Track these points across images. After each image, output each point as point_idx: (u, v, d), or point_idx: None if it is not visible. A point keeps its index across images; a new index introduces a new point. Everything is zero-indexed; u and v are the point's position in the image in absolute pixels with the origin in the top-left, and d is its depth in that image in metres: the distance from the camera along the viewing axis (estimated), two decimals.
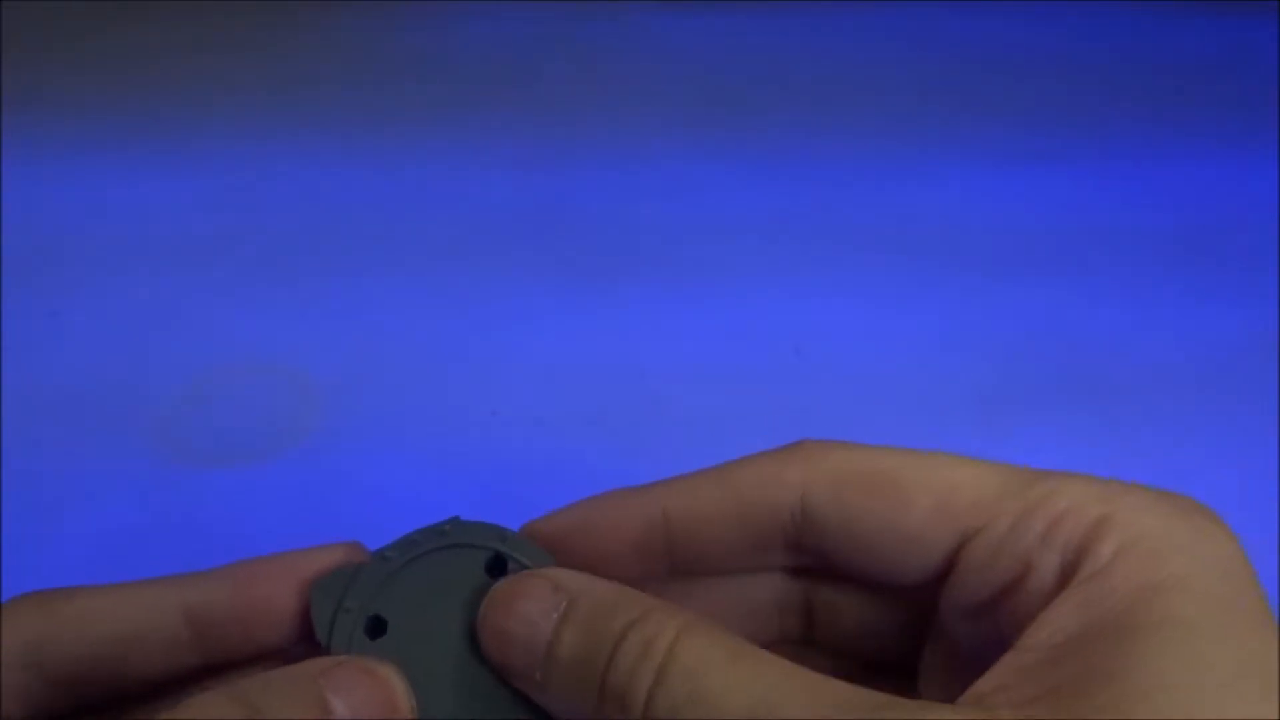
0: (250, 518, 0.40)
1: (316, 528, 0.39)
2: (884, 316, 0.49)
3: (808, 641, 0.24)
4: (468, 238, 0.51)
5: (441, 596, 0.22)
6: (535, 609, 0.20)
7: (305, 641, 0.22)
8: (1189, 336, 0.49)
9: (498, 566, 0.22)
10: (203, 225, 0.51)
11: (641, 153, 0.57)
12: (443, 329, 0.47)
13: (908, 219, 0.54)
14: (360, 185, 0.54)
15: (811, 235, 0.53)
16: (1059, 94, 0.63)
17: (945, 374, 0.46)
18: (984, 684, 0.18)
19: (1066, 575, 0.19)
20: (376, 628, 0.22)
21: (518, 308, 0.48)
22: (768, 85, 0.62)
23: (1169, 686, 0.16)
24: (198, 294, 0.48)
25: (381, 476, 0.41)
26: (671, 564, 0.23)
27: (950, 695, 0.19)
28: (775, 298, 0.49)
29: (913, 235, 0.53)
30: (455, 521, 0.23)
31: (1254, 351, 0.48)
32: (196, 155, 0.55)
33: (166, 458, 0.41)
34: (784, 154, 0.57)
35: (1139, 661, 0.17)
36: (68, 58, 0.61)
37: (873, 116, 0.60)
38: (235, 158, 0.55)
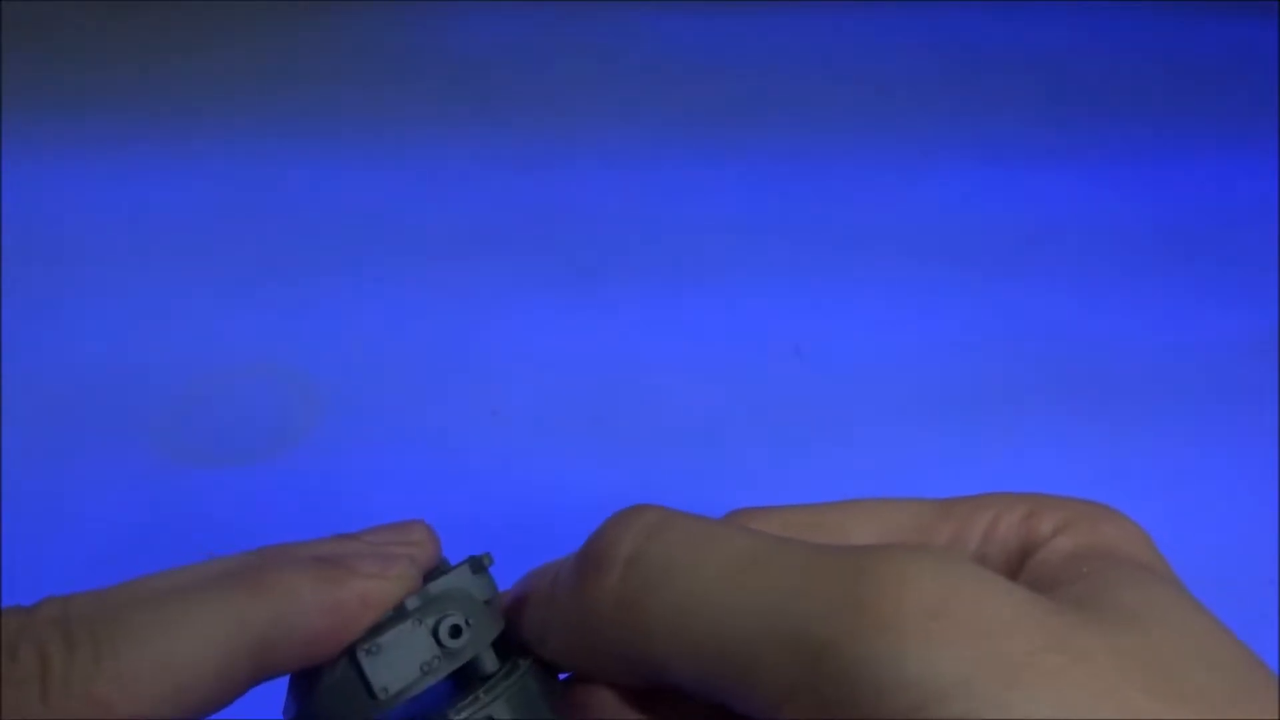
0: (250, 518, 0.40)
1: (316, 528, 0.39)
2: (884, 316, 0.49)
3: None
4: (468, 238, 0.51)
5: None
6: None
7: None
8: (1189, 336, 0.49)
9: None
10: (203, 225, 0.51)
11: (641, 153, 0.57)
12: (443, 329, 0.47)
13: (908, 219, 0.54)
14: (360, 185, 0.54)
15: (811, 235, 0.53)
16: (1059, 94, 0.63)
17: (945, 374, 0.46)
18: None
19: (1013, 566, 0.19)
20: None
21: (518, 307, 0.48)
22: (768, 85, 0.62)
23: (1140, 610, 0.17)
24: (198, 294, 0.48)
25: (382, 476, 0.41)
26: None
27: None
28: (775, 298, 0.49)
29: (913, 235, 0.53)
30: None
31: (1254, 351, 0.48)
32: (196, 155, 0.55)
33: (166, 458, 0.41)
34: (784, 154, 0.57)
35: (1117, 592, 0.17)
36: (68, 58, 0.61)
37: (873, 116, 0.60)
38: (235, 157, 0.55)
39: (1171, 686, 0.15)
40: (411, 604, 0.21)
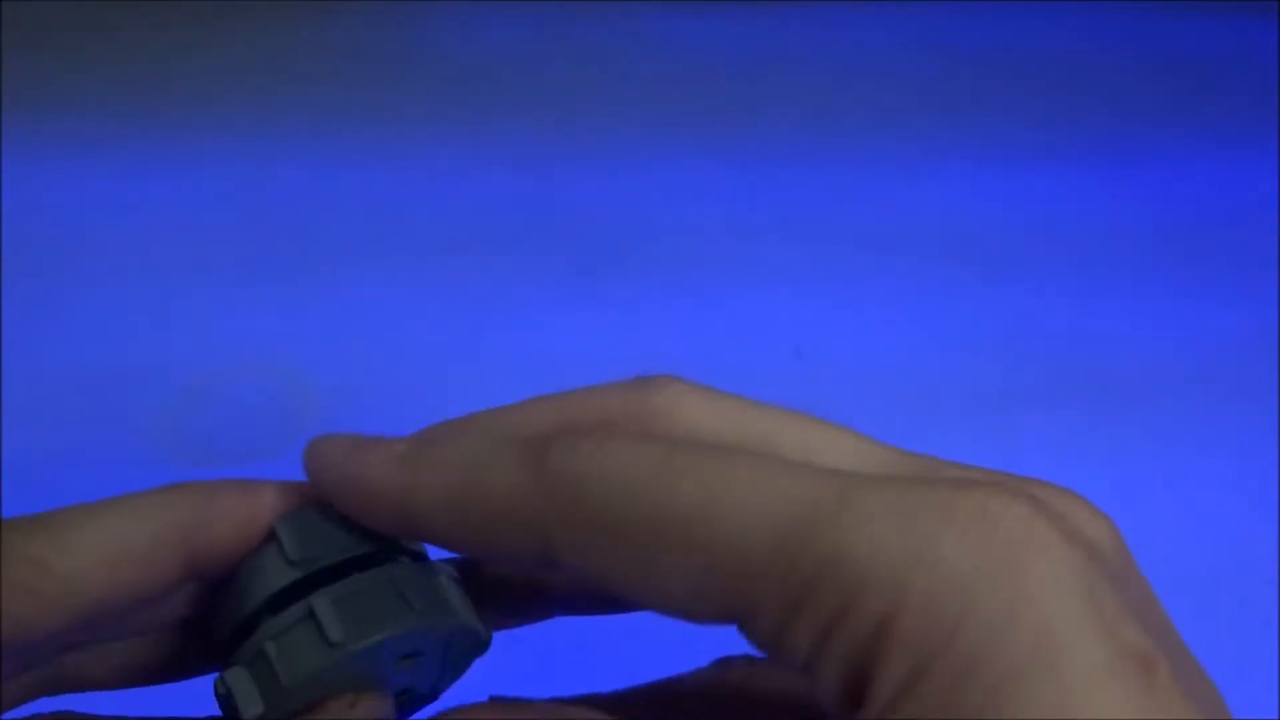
0: None
1: None
2: (884, 316, 0.49)
3: None
4: (468, 237, 0.51)
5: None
6: None
7: None
8: (1189, 336, 0.49)
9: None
10: (203, 225, 0.51)
11: (641, 153, 0.57)
12: (443, 329, 0.47)
13: (908, 219, 0.54)
14: (360, 185, 0.54)
15: (811, 235, 0.53)
16: (1059, 94, 0.63)
17: (945, 373, 0.46)
18: None
19: (853, 695, 0.16)
20: None
21: (517, 307, 0.48)
22: (768, 85, 0.62)
23: None
24: (198, 294, 0.48)
25: None
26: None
27: None
28: (775, 298, 0.49)
29: (913, 235, 0.53)
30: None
31: (1254, 351, 0.48)
32: (196, 155, 0.55)
33: (166, 458, 0.41)
34: (784, 154, 0.57)
35: None
36: (68, 58, 0.61)
37: (873, 116, 0.60)
38: (235, 157, 0.55)
39: None
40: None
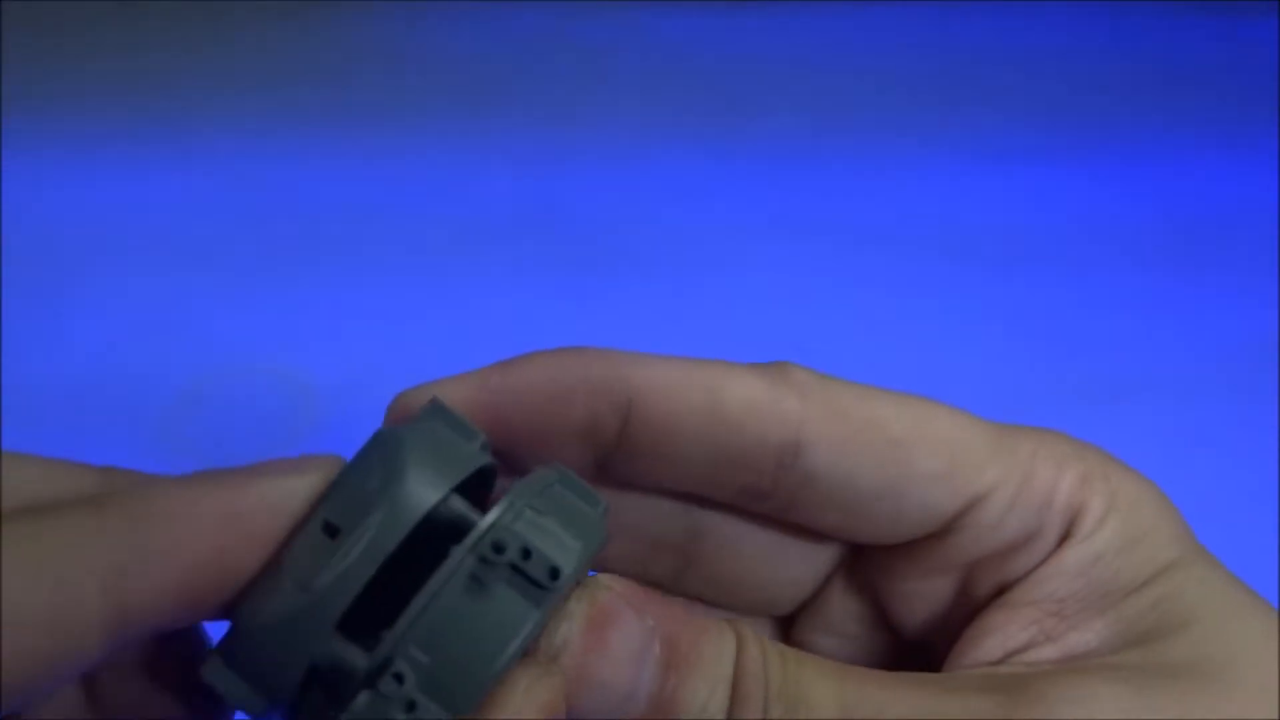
0: None
1: None
2: (884, 315, 0.49)
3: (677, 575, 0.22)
4: (467, 237, 0.51)
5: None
6: (626, 649, 0.17)
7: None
8: (1189, 336, 0.49)
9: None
10: (203, 225, 0.51)
11: (641, 153, 0.57)
12: (443, 329, 0.47)
13: (907, 219, 0.54)
14: (360, 185, 0.54)
15: (812, 235, 0.53)
16: (1059, 93, 0.63)
17: (944, 373, 0.46)
18: (1014, 639, 0.20)
19: (1065, 534, 0.20)
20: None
21: (517, 307, 0.48)
22: (768, 85, 0.62)
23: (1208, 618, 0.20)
24: (198, 294, 0.48)
25: None
26: (612, 459, 0.19)
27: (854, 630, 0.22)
28: (775, 297, 0.49)
29: (912, 235, 0.53)
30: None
31: (1254, 351, 0.48)
32: (196, 154, 0.55)
33: (166, 458, 0.41)
34: (784, 154, 0.57)
35: (1179, 603, 0.20)
36: (68, 58, 0.61)
37: (873, 116, 0.60)
38: (235, 157, 0.55)
39: None
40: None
